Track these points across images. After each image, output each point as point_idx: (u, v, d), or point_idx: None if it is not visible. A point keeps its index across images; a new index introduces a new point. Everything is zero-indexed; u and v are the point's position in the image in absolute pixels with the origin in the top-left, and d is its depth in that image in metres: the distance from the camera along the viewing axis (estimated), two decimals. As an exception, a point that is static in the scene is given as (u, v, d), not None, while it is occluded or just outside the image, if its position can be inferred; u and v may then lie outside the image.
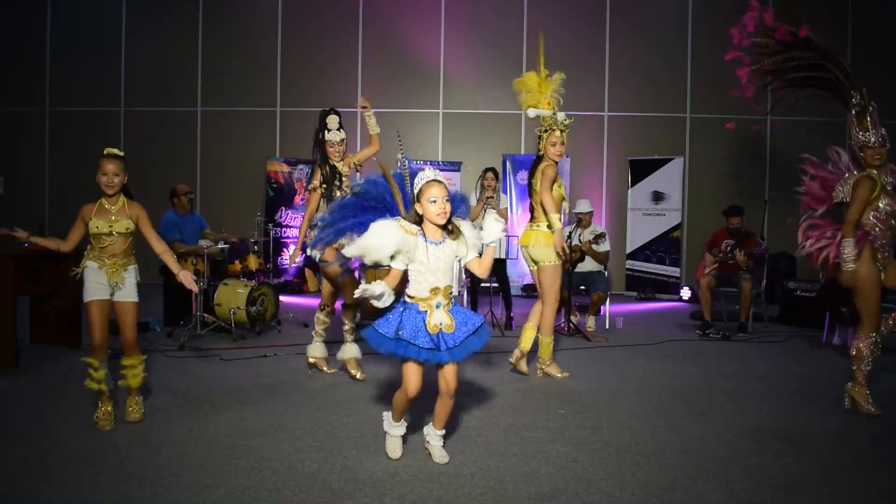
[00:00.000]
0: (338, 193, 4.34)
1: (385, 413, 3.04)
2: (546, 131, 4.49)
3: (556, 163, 4.49)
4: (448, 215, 2.77)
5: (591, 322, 6.53)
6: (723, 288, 6.62)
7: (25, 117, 10.32)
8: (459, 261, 2.89)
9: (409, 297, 2.81)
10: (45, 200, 10.10)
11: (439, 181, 2.76)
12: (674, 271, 9.41)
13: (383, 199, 2.91)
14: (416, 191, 2.78)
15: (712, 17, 9.92)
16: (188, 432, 3.29)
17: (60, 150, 10.07)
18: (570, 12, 9.95)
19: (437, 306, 2.78)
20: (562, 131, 4.47)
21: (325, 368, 4.57)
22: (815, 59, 3.97)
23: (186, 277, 3.43)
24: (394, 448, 2.99)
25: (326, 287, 4.52)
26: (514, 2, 10.04)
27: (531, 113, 4.50)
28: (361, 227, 2.79)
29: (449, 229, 2.82)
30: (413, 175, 2.87)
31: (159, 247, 3.49)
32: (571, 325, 6.27)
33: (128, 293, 3.41)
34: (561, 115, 4.51)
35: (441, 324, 2.76)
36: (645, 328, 6.84)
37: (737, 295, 6.51)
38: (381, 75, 10.13)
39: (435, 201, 2.72)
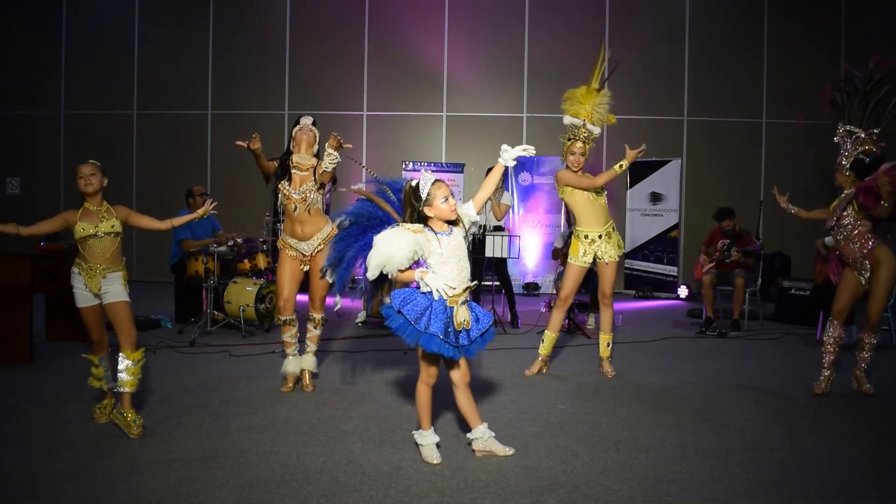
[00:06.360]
0: (286, 187, 4.19)
1: (414, 432, 2.97)
2: (570, 140, 4.42)
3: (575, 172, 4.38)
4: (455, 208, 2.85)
5: (591, 320, 6.52)
6: (719, 287, 6.60)
7: (41, 120, 10.38)
8: (470, 228, 2.95)
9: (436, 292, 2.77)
10: (60, 201, 10.11)
11: (440, 180, 2.84)
12: (671, 270, 9.39)
13: (376, 216, 2.95)
14: (424, 195, 2.78)
15: (709, 19, 9.92)
16: (199, 426, 3.30)
17: (75, 152, 10.08)
18: (570, 17, 9.93)
19: (462, 303, 2.80)
20: (583, 142, 4.38)
21: (290, 385, 4.06)
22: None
23: (201, 209, 3.59)
24: (431, 455, 2.87)
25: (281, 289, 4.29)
26: (517, 7, 10.02)
27: (566, 120, 4.41)
28: (368, 248, 2.78)
29: (454, 220, 2.87)
30: (392, 184, 2.99)
31: (156, 223, 3.43)
32: (572, 322, 6.26)
33: (115, 295, 3.24)
34: (593, 128, 4.39)
35: (464, 321, 2.76)
36: (643, 326, 6.82)
37: (732, 293, 6.49)
38: (386, 79, 10.13)
39: (446, 199, 2.79)
